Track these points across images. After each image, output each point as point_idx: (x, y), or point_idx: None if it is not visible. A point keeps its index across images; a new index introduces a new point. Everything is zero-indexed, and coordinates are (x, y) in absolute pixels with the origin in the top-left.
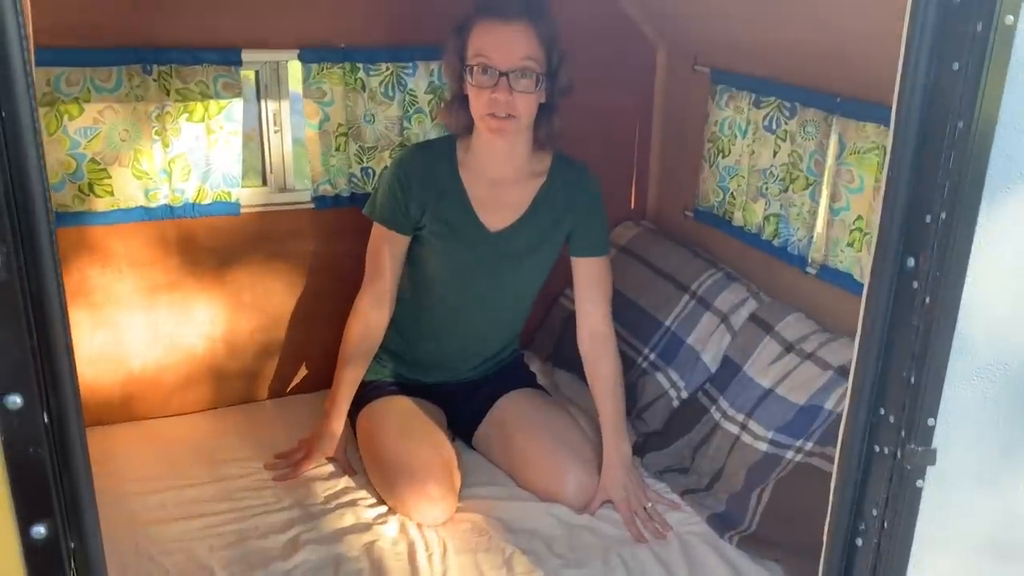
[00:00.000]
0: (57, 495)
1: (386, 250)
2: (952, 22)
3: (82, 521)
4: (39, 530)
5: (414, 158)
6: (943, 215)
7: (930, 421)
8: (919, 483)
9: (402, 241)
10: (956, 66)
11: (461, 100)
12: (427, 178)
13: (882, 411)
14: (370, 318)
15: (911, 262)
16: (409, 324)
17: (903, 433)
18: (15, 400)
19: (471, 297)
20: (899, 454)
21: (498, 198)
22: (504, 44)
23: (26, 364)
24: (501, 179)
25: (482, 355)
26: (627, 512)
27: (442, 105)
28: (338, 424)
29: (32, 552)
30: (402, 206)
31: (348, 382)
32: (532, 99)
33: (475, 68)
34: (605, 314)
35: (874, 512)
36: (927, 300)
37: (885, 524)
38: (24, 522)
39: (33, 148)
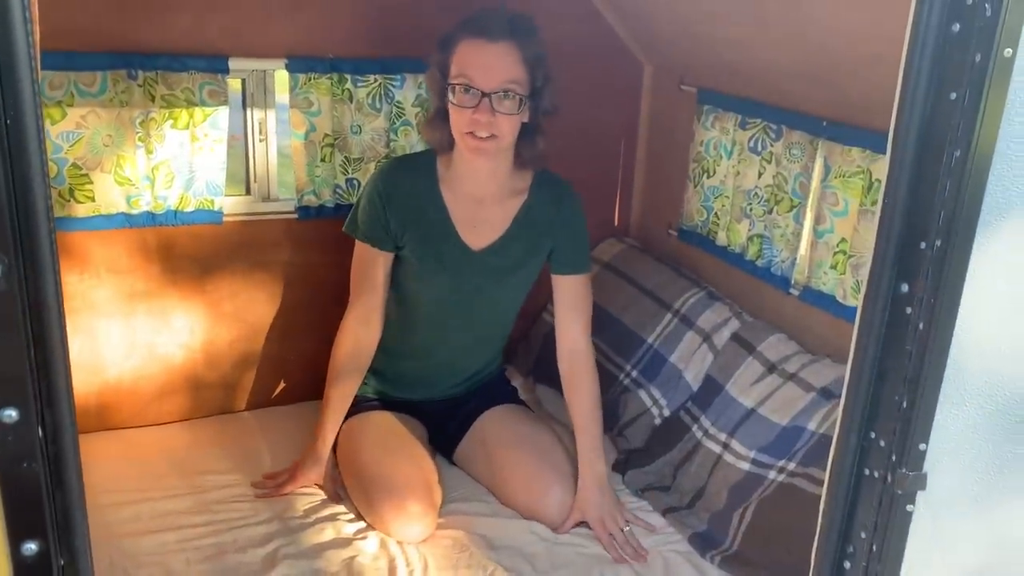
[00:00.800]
0: (50, 511)
1: (371, 268)
2: (951, 52)
3: (73, 538)
4: (30, 546)
5: (394, 173)
6: (938, 242)
7: (921, 446)
8: (909, 508)
9: (386, 258)
10: (954, 96)
11: (443, 115)
12: (407, 195)
13: (873, 435)
14: (359, 335)
15: (904, 288)
16: (391, 341)
17: (894, 457)
18: (10, 414)
19: (453, 315)
20: (889, 478)
21: (480, 216)
22: (487, 65)
23: (23, 377)
24: (482, 197)
25: (465, 371)
26: (603, 533)
27: (425, 120)
28: (324, 448)
29: (22, 569)
30: (383, 222)
31: (337, 403)
32: (514, 120)
33: (458, 87)
34: (585, 331)
35: (863, 535)
36: (920, 326)
37: (874, 548)
38: (15, 538)
39: (38, 157)
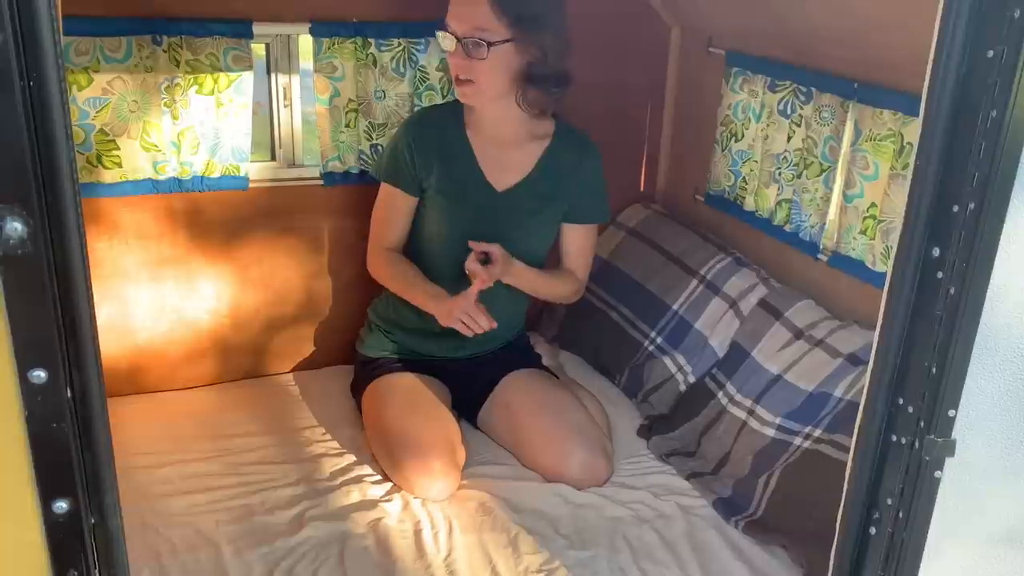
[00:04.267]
0: (79, 471)
1: (392, 210)
2: (989, 8)
3: (103, 497)
4: (61, 505)
5: (422, 120)
6: (971, 205)
7: (951, 412)
8: (937, 474)
9: (407, 201)
10: (991, 54)
11: None
12: (435, 139)
13: (901, 401)
14: (389, 253)
15: (936, 252)
16: None
17: (922, 423)
18: (40, 375)
19: None
20: (917, 444)
21: (504, 158)
22: (459, 13)
23: (51, 339)
24: (504, 140)
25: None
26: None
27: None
28: (440, 293)
29: (54, 527)
30: (409, 165)
31: (413, 278)
32: (488, 66)
33: (442, 34)
34: (586, 270)
35: (889, 501)
36: (951, 291)
37: (900, 514)
38: (46, 497)
39: (61, 117)
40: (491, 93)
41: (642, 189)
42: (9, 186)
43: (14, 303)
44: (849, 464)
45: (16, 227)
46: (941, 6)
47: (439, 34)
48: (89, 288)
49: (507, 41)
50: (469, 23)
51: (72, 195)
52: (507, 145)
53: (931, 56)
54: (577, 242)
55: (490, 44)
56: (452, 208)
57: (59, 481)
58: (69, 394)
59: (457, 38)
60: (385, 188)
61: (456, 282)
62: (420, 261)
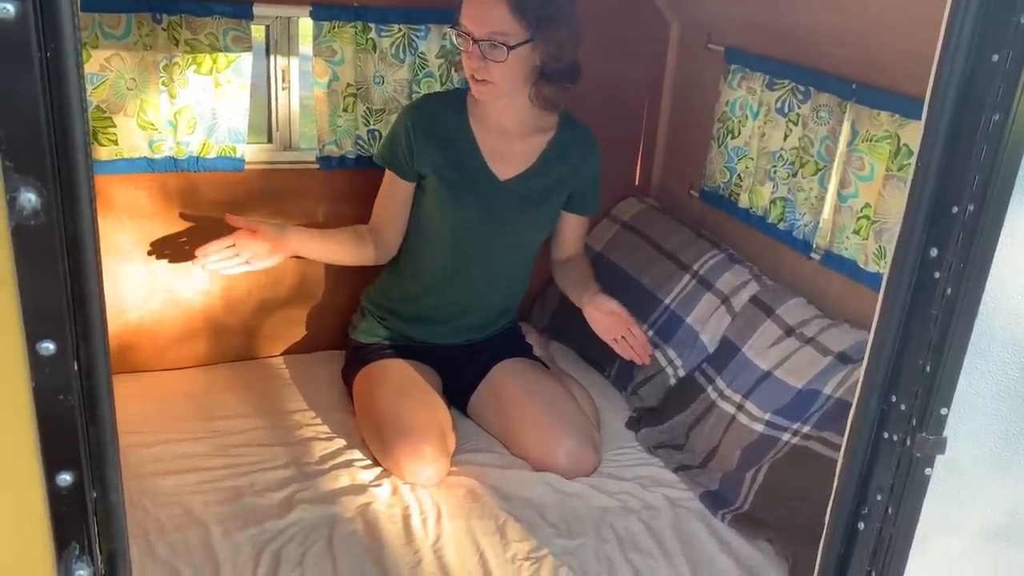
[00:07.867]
0: (84, 444)
1: (388, 194)
2: (995, 12)
3: (105, 471)
4: (64, 478)
5: (425, 106)
6: (971, 207)
7: (943, 410)
8: (927, 471)
9: (402, 186)
10: (996, 58)
11: None
12: (437, 126)
13: (894, 398)
14: (364, 232)
15: (934, 252)
16: (411, 276)
17: (914, 421)
18: (48, 347)
19: (475, 247)
20: (908, 441)
21: (507, 148)
22: (476, 14)
23: (60, 310)
24: (509, 131)
25: (483, 313)
26: (622, 345)
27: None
28: (292, 232)
29: (56, 499)
30: (405, 151)
31: (322, 233)
32: (504, 68)
33: (457, 33)
34: (582, 246)
35: (879, 497)
36: (948, 291)
37: (889, 509)
38: (50, 469)
39: (77, 90)
40: (506, 91)
41: (637, 183)
42: (24, 157)
43: (25, 274)
44: (840, 459)
45: (30, 198)
46: (948, 9)
47: (451, 33)
48: (99, 261)
49: (526, 42)
50: (487, 26)
51: (85, 168)
52: (511, 136)
53: (936, 58)
54: (576, 230)
55: (509, 47)
56: (454, 196)
57: (63, 453)
58: (76, 367)
59: (474, 39)
60: (385, 173)
61: (454, 275)
62: (422, 251)
